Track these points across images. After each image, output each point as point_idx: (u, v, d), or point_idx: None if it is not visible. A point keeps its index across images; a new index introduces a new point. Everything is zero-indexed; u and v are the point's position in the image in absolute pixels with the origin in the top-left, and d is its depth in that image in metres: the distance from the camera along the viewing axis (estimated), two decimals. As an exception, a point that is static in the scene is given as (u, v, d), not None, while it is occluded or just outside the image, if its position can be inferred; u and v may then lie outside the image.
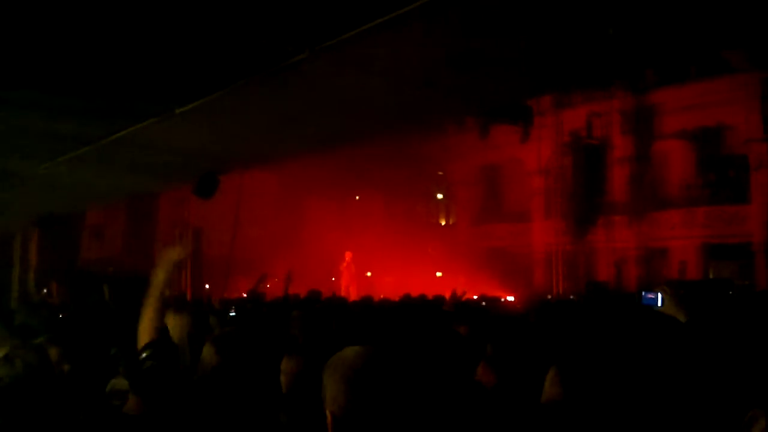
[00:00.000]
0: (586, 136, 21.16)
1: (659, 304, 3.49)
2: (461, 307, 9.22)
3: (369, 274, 22.83)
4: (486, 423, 2.68)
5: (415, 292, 12.51)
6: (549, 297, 15.49)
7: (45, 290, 15.55)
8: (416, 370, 2.02)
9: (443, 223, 28.60)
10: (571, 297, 15.18)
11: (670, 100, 20.42)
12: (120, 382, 3.18)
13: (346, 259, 21.25)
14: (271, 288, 16.70)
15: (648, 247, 21.36)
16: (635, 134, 21.37)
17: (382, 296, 12.74)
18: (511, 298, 15.24)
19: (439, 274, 23.46)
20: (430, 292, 13.55)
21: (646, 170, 21.70)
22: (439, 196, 28.28)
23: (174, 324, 4.18)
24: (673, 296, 3.44)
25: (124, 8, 4.23)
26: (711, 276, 20.05)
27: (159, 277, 3.49)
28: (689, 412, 2.47)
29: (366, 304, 9.45)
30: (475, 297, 14.06)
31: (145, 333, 3.24)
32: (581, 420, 2.41)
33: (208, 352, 2.80)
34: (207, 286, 20.76)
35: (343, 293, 18.59)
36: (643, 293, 3.59)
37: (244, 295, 11.55)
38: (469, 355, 3.32)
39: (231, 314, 8.17)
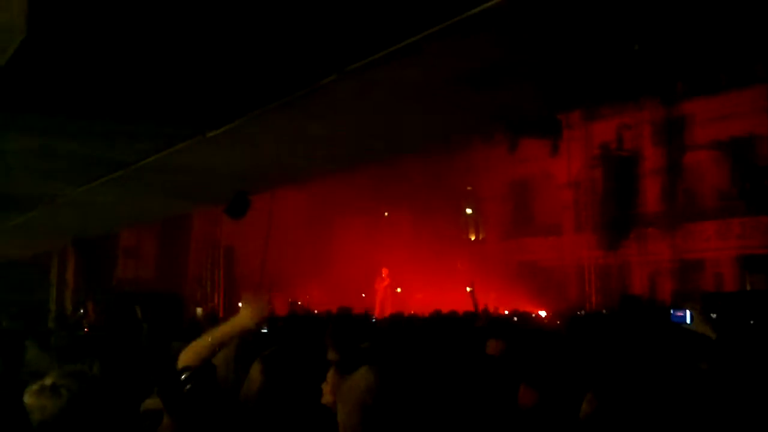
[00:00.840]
0: (617, 148, 20.94)
1: (688, 321, 3.48)
2: (494, 323, 9.17)
3: (399, 290, 22.80)
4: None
5: (445, 308, 12.47)
6: (580, 312, 15.30)
7: (81, 311, 15.80)
8: (427, 390, 2.02)
9: (473, 238, 28.46)
10: (603, 311, 14.99)
11: (701, 110, 20.14)
12: (154, 402, 3.23)
13: (383, 275, 21.23)
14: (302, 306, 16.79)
15: (682, 260, 21.00)
16: (666, 145, 21.09)
17: (412, 312, 12.71)
18: (543, 313, 15.10)
19: (469, 289, 23.32)
20: (461, 308, 13.50)
21: (678, 181, 21.39)
22: (469, 211, 28.15)
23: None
24: (702, 313, 3.44)
25: (154, 35, 4.33)
26: (747, 288, 19.63)
27: (234, 325, 3.38)
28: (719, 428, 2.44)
29: (396, 321, 9.45)
30: (507, 312, 13.97)
31: (188, 358, 3.26)
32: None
33: (255, 370, 2.82)
34: (240, 304, 20.87)
35: (378, 310, 18.60)
36: (672, 311, 3.59)
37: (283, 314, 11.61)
38: (499, 374, 3.31)
39: (263, 331, 8.23)
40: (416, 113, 5.74)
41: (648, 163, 21.20)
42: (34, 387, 2.62)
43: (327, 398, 3.08)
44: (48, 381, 2.63)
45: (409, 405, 1.83)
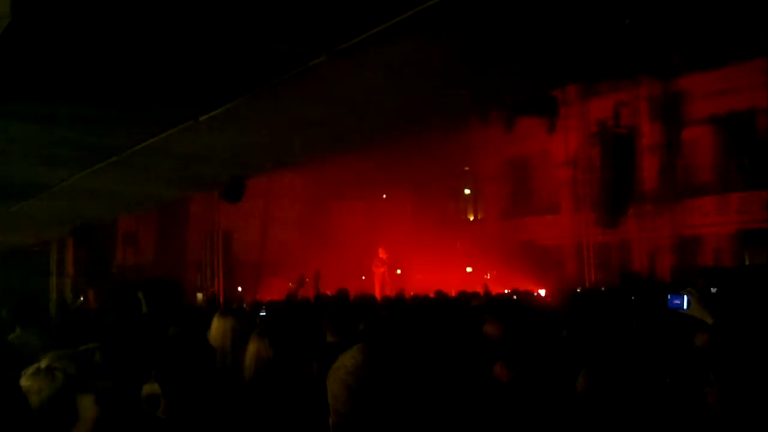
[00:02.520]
0: (614, 125, 20.87)
1: (685, 306, 3.49)
2: (491, 302, 9.21)
3: (399, 271, 22.85)
4: (502, 419, 2.68)
5: (445, 289, 12.51)
6: (580, 289, 15.35)
7: (81, 298, 15.86)
8: (417, 368, 2.00)
9: (472, 218, 28.49)
10: (602, 288, 15.03)
11: (699, 85, 20.07)
12: (153, 387, 3.24)
13: (380, 256, 21.26)
14: (303, 289, 16.82)
15: (682, 236, 21.03)
16: (664, 121, 21.04)
17: (412, 293, 12.75)
18: (542, 292, 15.15)
19: (469, 269, 23.39)
20: (461, 288, 13.53)
21: (676, 157, 21.36)
22: (467, 191, 28.16)
23: (219, 327, 4.22)
24: (699, 298, 3.45)
25: (144, 19, 4.30)
26: (747, 262, 19.68)
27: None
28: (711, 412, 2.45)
29: (397, 301, 9.49)
30: (506, 291, 14.02)
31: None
32: (608, 414, 2.40)
33: (260, 345, 2.80)
34: (240, 288, 20.96)
35: (377, 291, 18.66)
36: (669, 296, 3.58)
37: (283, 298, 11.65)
38: (493, 352, 3.32)
39: (261, 314, 8.28)
40: (409, 93, 5.72)
41: (646, 139, 21.16)
42: (30, 370, 2.64)
43: None
44: (43, 363, 2.65)
45: (397, 386, 1.80)
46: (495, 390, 2.98)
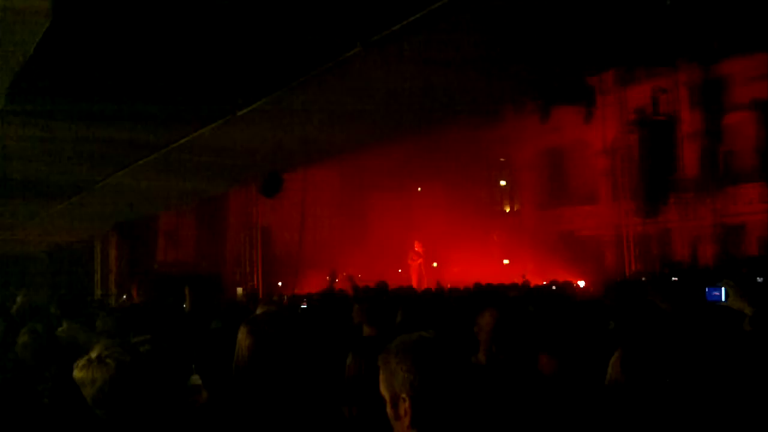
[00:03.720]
0: (653, 113, 20.49)
1: (723, 298, 3.47)
2: (530, 293, 9.15)
3: (435, 264, 22.81)
4: (545, 408, 2.66)
5: (482, 281, 12.46)
6: (619, 279, 15.14)
7: (125, 296, 16.16)
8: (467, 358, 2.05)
9: (508, 209, 28.29)
10: (643, 279, 14.80)
11: (739, 70, 19.58)
12: (195, 379, 3.29)
13: (416, 248, 21.25)
14: (339, 283, 16.93)
15: (724, 224, 20.59)
16: (704, 107, 20.59)
17: (449, 286, 12.73)
18: (581, 283, 14.98)
19: (506, 261, 23.26)
20: (498, 281, 13.46)
21: (717, 144, 20.91)
22: (503, 182, 27.96)
23: None
24: (737, 290, 3.41)
25: (182, 16, 4.36)
26: (792, 251, 19.20)
27: None
28: (751, 404, 2.41)
29: (435, 293, 9.48)
30: (545, 283, 13.90)
31: None
32: (641, 403, 2.36)
33: (241, 333, 2.79)
34: (279, 283, 21.16)
35: (415, 284, 18.67)
36: (707, 289, 3.56)
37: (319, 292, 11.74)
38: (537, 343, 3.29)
39: (302, 307, 8.37)
40: (444, 83, 5.69)
41: (685, 126, 20.74)
42: (81, 361, 2.68)
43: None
44: (93, 354, 2.68)
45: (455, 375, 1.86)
46: (540, 382, 2.96)
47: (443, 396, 1.82)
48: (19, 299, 9.97)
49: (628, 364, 2.38)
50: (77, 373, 2.63)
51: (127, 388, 2.60)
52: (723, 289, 3.54)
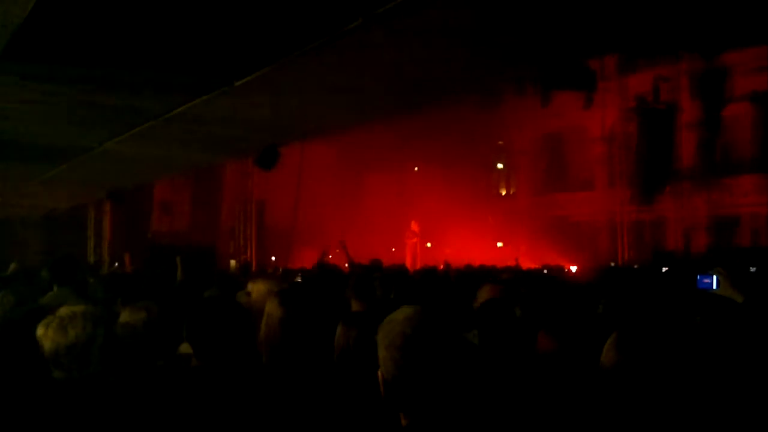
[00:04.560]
0: (653, 101, 20.44)
1: (715, 286, 3.46)
2: (522, 276, 9.17)
3: (429, 245, 22.85)
4: (541, 389, 2.67)
5: (475, 263, 12.49)
6: (612, 264, 15.22)
7: (117, 263, 16.18)
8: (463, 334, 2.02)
9: (504, 193, 28.30)
10: (635, 266, 14.88)
11: (741, 61, 19.51)
12: (185, 347, 3.30)
13: (412, 228, 21.26)
14: (333, 259, 16.94)
15: (719, 215, 20.65)
16: (704, 98, 20.54)
17: (442, 267, 12.76)
18: (573, 268, 15.04)
19: (500, 244, 23.31)
20: (492, 263, 13.49)
21: (716, 135, 20.88)
22: (500, 166, 27.94)
23: (258, 290, 4.28)
24: (728, 278, 3.40)
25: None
26: (785, 243, 19.29)
27: None
28: (743, 392, 2.42)
29: (426, 272, 9.48)
30: (536, 267, 13.95)
31: None
32: (635, 386, 2.37)
33: (271, 305, 2.83)
34: (273, 258, 21.18)
35: (409, 264, 18.71)
36: (699, 276, 3.55)
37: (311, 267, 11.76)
38: (523, 324, 3.30)
39: (297, 281, 8.39)
40: (445, 59, 5.65)
41: (685, 115, 20.71)
42: (46, 320, 2.71)
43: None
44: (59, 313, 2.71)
45: (446, 347, 1.82)
46: (539, 360, 2.97)
47: (429, 373, 1.79)
48: (12, 265, 9.98)
49: (624, 346, 2.38)
50: (39, 330, 2.65)
51: (85, 354, 2.61)
52: (714, 277, 3.53)
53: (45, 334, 2.61)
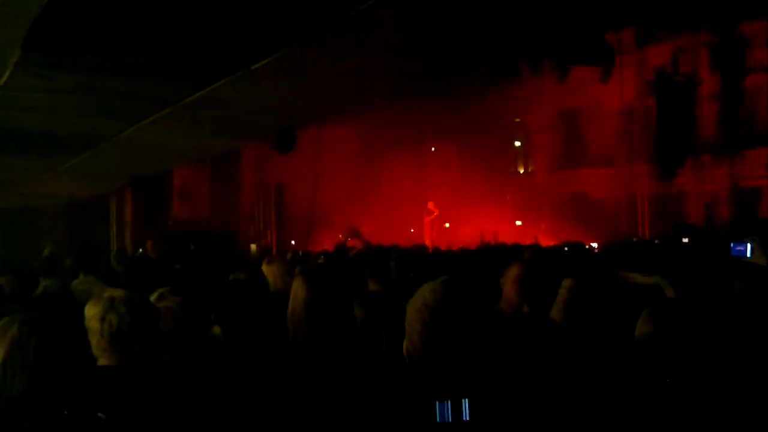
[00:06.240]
0: (672, 73, 20.14)
1: (748, 254, 3.46)
2: (542, 253, 9.16)
3: (447, 225, 22.83)
4: (566, 364, 2.69)
5: (491, 242, 12.47)
6: (633, 239, 15.13)
7: (141, 249, 16.38)
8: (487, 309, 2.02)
9: (522, 170, 28.12)
10: (656, 241, 14.78)
11: (762, 31, 19.15)
12: (215, 329, 3.35)
13: (430, 208, 21.25)
14: (351, 241, 17.01)
15: (740, 188, 20.40)
16: (725, 69, 20.20)
17: (461, 246, 12.77)
18: (594, 245, 14.96)
19: (518, 222, 23.23)
20: (511, 241, 13.46)
21: (737, 107, 20.55)
22: (517, 143, 27.73)
23: (274, 272, 4.35)
24: (762, 246, 3.40)
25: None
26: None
27: None
28: None
29: (445, 252, 9.52)
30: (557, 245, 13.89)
31: None
32: (672, 357, 2.38)
33: (297, 284, 2.89)
34: (293, 242, 21.28)
35: (428, 240, 18.74)
36: (732, 244, 3.55)
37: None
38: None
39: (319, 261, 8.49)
40: (461, 38, 5.63)
41: (705, 88, 20.37)
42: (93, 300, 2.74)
43: None
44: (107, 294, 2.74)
45: (471, 320, 1.83)
46: (563, 335, 2.99)
47: (454, 345, 1.81)
48: (46, 250, 10.18)
49: (657, 318, 2.39)
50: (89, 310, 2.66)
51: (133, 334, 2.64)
52: (749, 244, 3.53)
53: (97, 315, 2.63)
